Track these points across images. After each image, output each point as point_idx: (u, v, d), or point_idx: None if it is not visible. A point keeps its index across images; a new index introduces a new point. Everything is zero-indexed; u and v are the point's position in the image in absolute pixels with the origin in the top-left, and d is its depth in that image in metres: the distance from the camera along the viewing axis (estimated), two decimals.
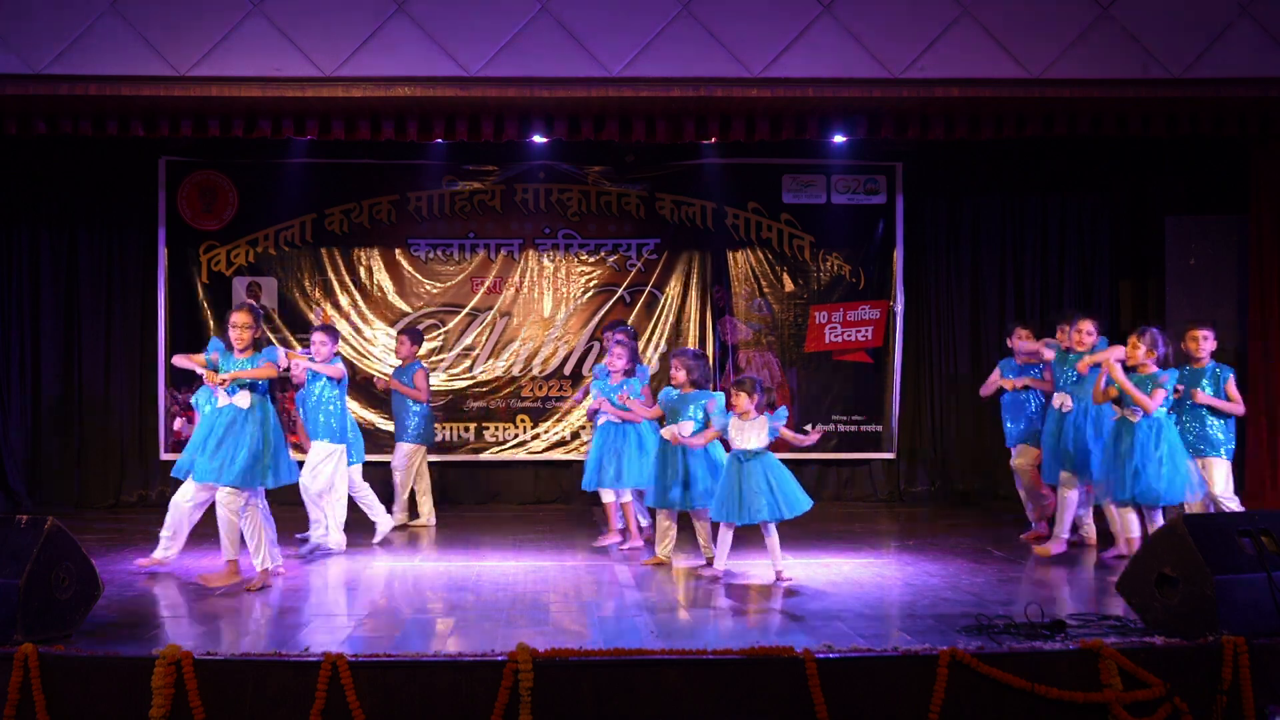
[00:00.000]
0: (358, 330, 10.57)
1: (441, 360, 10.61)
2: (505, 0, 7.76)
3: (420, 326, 10.45)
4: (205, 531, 7.44)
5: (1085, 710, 4.85)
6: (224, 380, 6.65)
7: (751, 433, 6.84)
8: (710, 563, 7.26)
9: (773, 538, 6.86)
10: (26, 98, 7.78)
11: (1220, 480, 7.35)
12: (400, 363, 9.44)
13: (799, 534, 8.91)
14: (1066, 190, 10.81)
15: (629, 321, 10.61)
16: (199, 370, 6.94)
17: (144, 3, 7.66)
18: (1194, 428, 7.43)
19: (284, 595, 6.60)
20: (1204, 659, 4.99)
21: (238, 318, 6.75)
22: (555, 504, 10.43)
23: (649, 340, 10.65)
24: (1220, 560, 5.17)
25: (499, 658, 4.82)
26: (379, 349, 10.54)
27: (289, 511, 8.19)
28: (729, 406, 7.10)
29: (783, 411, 6.94)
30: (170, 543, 7.24)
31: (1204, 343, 7.49)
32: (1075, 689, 4.85)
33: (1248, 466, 8.80)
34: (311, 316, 10.49)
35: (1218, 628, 5.06)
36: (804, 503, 6.89)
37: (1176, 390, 7.29)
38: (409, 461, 9.19)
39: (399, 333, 9.64)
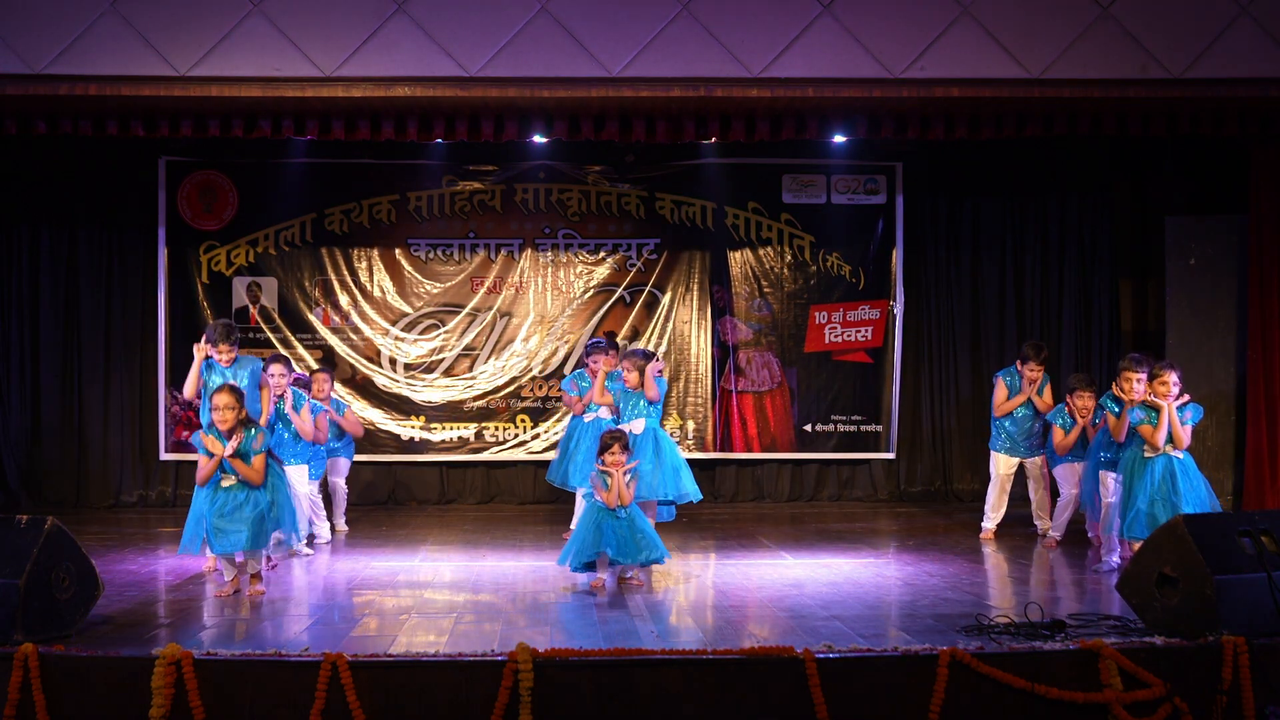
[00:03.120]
0: (358, 330, 10.57)
1: (441, 360, 10.61)
2: (505, 0, 7.77)
3: (421, 326, 10.52)
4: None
5: (1085, 710, 4.84)
6: (229, 452, 6.37)
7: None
8: None
9: None
10: (26, 98, 7.79)
11: None
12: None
13: (799, 534, 8.93)
14: (1066, 190, 10.81)
15: (628, 321, 10.62)
16: (213, 454, 6.41)
17: (144, 3, 7.66)
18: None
19: (282, 595, 6.60)
20: (1204, 659, 4.99)
21: (220, 399, 6.41)
22: (555, 504, 10.41)
23: (649, 340, 10.65)
24: (1220, 560, 5.17)
25: (499, 658, 4.81)
26: (384, 353, 10.56)
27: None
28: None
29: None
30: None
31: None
32: (1075, 689, 4.84)
33: (1248, 466, 8.80)
34: (311, 317, 10.51)
35: (1218, 628, 5.06)
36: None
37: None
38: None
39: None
